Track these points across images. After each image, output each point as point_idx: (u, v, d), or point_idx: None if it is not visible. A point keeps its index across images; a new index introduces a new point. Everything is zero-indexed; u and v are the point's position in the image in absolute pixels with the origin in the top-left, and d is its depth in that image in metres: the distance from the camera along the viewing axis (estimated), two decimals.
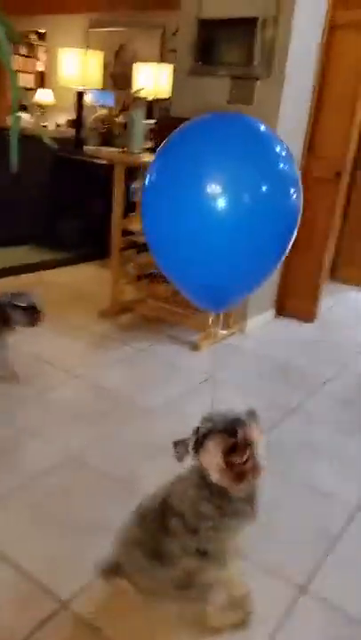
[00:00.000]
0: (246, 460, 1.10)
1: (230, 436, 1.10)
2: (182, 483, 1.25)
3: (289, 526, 1.69)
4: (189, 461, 1.21)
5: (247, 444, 1.11)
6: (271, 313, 3.46)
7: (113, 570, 1.35)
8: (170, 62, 4.00)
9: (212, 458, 1.12)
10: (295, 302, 3.47)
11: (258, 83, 2.84)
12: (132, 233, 3.18)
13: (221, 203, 1.21)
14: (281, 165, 1.31)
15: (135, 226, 3.08)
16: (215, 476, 1.13)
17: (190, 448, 1.18)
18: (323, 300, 3.53)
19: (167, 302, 3.27)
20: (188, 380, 2.56)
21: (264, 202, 1.26)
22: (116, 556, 1.34)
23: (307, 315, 3.46)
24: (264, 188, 1.25)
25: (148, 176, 1.38)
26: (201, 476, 1.18)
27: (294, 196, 1.32)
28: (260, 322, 3.34)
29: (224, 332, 3.10)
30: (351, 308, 3.84)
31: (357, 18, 3.03)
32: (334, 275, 4.34)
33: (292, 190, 1.32)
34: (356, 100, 3.06)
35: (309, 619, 1.38)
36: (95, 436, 2.06)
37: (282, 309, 3.51)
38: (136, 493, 1.74)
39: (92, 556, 1.49)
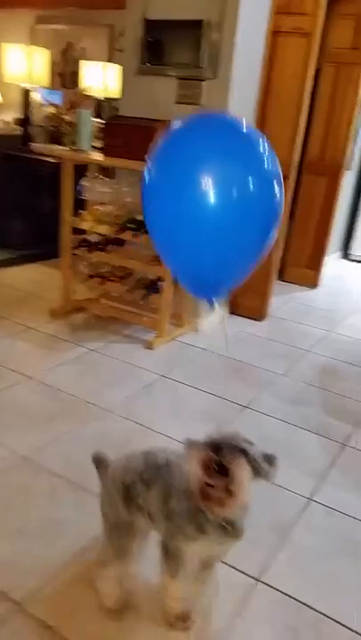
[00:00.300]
0: (221, 485, 1.04)
1: (213, 450, 1.05)
2: (171, 466, 1.27)
3: None
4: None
5: (226, 468, 1.04)
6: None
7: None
8: (118, 62, 3.98)
9: (192, 470, 1.07)
10: (246, 301, 3.52)
11: (204, 84, 2.87)
12: (82, 231, 3.14)
13: (212, 199, 1.28)
14: (266, 163, 1.37)
15: (85, 224, 3.05)
16: (193, 489, 1.08)
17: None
18: (272, 299, 3.61)
19: (120, 301, 3.25)
20: (142, 379, 2.55)
21: (251, 198, 1.31)
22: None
23: (258, 313, 3.52)
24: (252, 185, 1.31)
25: (147, 173, 1.44)
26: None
27: (278, 193, 1.38)
28: (213, 320, 3.36)
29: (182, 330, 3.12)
30: (299, 306, 3.94)
31: (300, 25, 3.11)
32: (282, 275, 4.44)
33: (276, 186, 1.38)
34: (300, 105, 3.14)
35: (264, 608, 1.41)
36: (48, 438, 2.02)
37: (234, 308, 3.56)
38: (92, 493, 1.74)
39: (47, 556, 1.47)
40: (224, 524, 1.15)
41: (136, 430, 2.13)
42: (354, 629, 1.36)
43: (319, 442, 2.18)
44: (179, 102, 2.98)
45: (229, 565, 1.51)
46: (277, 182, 1.37)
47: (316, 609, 1.41)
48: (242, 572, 1.50)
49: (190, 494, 1.11)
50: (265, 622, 1.37)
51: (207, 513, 1.12)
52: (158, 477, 1.25)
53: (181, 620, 1.33)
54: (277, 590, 1.46)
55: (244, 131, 1.41)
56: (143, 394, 2.43)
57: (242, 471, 1.06)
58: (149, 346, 2.93)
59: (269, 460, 1.13)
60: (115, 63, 4.32)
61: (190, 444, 1.10)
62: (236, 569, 1.51)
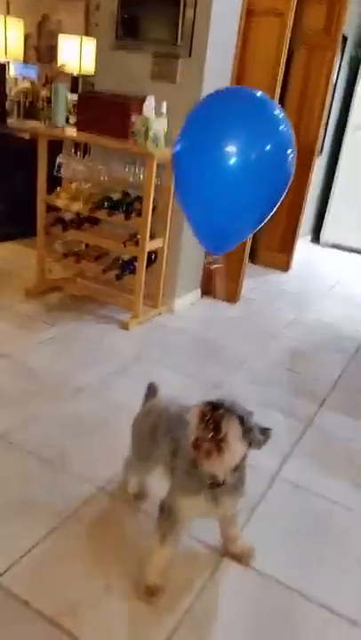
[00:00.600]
0: (212, 439, 1.14)
1: (211, 409, 1.15)
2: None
3: None
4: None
5: (219, 424, 1.14)
6: (198, 292, 3.56)
7: None
8: (94, 36, 3.91)
9: (192, 421, 1.17)
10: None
11: (180, 62, 2.87)
12: (58, 209, 3.13)
13: (234, 161, 1.44)
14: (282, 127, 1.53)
15: (61, 201, 3.04)
16: (190, 441, 1.18)
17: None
18: (245, 282, 3.67)
19: (96, 281, 3.26)
20: (117, 359, 2.59)
21: (267, 160, 1.47)
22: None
23: (230, 295, 3.58)
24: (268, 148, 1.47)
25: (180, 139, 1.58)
26: None
27: (290, 156, 1.54)
28: (188, 301, 3.42)
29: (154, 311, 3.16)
30: (270, 289, 4.02)
31: (274, 5, 3.11)
32: (255, 258, 4.50)
33: (289, 150, 1.53)
34: (273, 88, 3.16)
35: (230, 583, 1.48)
36: (23, 417, 2.04)
37: (207, 289, 3.62)
38: (65, 472, 1.79)
39: (20, 535, 1.52)
40: (212, 482, 1.25)
41: (110, 409, 2.17)
42: (317, 601, 1.45)
43: (285, 421, 2.27)
44: (153, 78, 2.97)
45: (197, 540, 1.58)
46: (290, 148, 1.51)
47: (280, 582, 1.49)
48: (209, 547, 1.57)
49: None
50: (231, 596, 1.44)
51: (200, 469, 1.21)
52: (173, 431, 1.39)
53: (149, 593, 1.37)
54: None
55: (263, 101, 1.58)
56: (118, 374, 2.47)
57: (232, 430, 1.15)
58: (125, 326, 2.96)
59: (264, 431, 1.24)
60: (91, 37, 4.24)
61: (196, 404, 1.19)
62: (204, 543, 1.58)
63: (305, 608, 1.43)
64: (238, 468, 1.28)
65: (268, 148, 1.46)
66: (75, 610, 1.33)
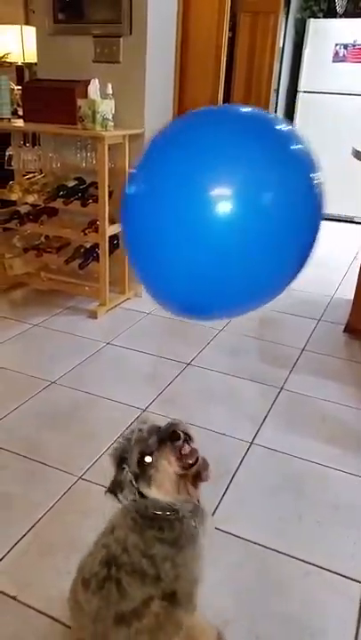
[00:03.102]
0: (198, 459, 1.01)
1: (173, 440, 0.99)
2: (118, 531, 1.08)
3: None
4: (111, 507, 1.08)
5: (189, 441, 1.02)
6: None
7: None
8: (33, 24, 3.81)
9: (167, 471, 0.99)
10: None
11: (122, 41, 2.82)
12: (12, 203, 3.08)
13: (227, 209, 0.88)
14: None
15: (15, 195, 2.99)
16: (171, 490, 1.00)
17: (131, 481, 1.01)
18: None
19: (60, 273, 3.24)
20: (88, 349, 2.59)
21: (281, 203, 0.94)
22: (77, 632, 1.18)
23: None
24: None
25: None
26: (137, 516, 1.05)
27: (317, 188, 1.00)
28: None
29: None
30: None
31: None
32: None
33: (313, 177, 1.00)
34: (219, 56, 3.14)
35: (212, 550, 1.51)
36: None
37: None
38: (43, 464, 1.80)
39: (2, 529, 1.53)
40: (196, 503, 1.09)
41: (83, 399, 2.18)
42: (298, 557, 1.49)
43: (258, 389, 2.31)
44: (97, 61, 2.92)
45: None
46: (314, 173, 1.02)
47: (261, 544, 1.53)
48: None
49: (157, 527, 1.03)
50: (214, 563, 1.48)
51: (192, 497, 1.05)
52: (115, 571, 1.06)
53: None
54: (224, 532, 1.56)
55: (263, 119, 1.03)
56: (89, 363, 2.48)
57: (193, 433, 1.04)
58: (93, 315, 2.96)
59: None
60: (32, 25, 4.14)
61: (146, 455, 1.00)
62: None
63: (286, 565, 1.47)
64: None
65: (280, 182, 0.92)
66: (65, 601, 1.35)
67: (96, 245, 2.98)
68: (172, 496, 1.01)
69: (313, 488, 1.76)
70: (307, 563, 1.48)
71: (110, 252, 2.98)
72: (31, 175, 3.09)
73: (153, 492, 1.01)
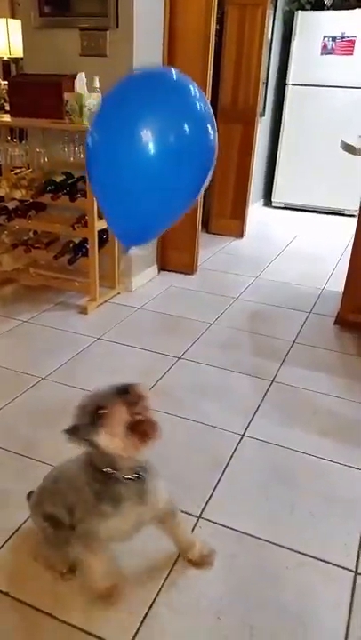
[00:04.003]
0: (148, 416, 1.09)
1: (125, 395, 1.10)
2: (71, 475, 1.29)
3: (182, 460, 1.82)
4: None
5: (143, 399, 1.11)
6: (154, 269, 3.55)
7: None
8: (19, 17, 3.77)
9: (116, 425, 1.08)
10: (175, 256, 3.58)
11: (108, 34, 2.80)
12: (0, 199, 3.05)
13: (150, 150, 1.29)
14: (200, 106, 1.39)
15: (2, 190, 2.96)
16: (119, 445, 1.10)
17: (87, 429, 1.12)
18: (201, 252, 3.68)
19: (50, 269, 3.22)
20: (78, 344, 2.58)
21: (186, 144, 1.33)
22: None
23: (187, 267, 3.58)
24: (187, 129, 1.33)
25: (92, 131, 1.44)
26: (87, 461, 1.21)
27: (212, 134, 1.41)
28: (145, 278, 3.41)
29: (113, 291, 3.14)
30: (226, 256, 4.04)
31: None
32: (208, 227, 4.51)
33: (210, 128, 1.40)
34: (206, 49, 3.11)
35: (206, 542, 1.50)
36: None
37: (164, 264, 3.61)
38: (33, 462, 1.79)
39: None
40: (136, 474, 1.19)
41: (74, 394, 2.16)
42: (291, 548, 1.50)
43: (249, 381, 2.31)
44: (83, 55, 2.89)
45: None
46: (211, 125, 1.39)
47: (254, 535, 1.53)
48: (183, 512, 1.60)
49: (93, 478, 1.19)
50: None
51: (137, 454, 1.14)
52: (59, 500, 1.31)
53: (107, 597, 1.33)
54: (217, 524, 1.57)
55: (174, 80, 1.44)
56: (80, 358, 2.46)
57: (149, 396, 1.13)
58: (83, 310, 2.95)
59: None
60: (17, 19, 4.09)
61: (101, 408, 1.11)
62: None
63: (279, 555, 1.48)
64: None
65: (187, 129, 1.32)
66: (57, 596, 1.35)
67: (85, 240, 2.97)
68: (119, 447, 1.11)
69: (305, 479, 1.77)
70: (300, 553, 1.48)
71: (100, 247, 2.97)
72: (19, 170, 3.06)
73: (104, 439, 1.11)
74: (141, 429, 1.09)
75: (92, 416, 1.11)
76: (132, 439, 1.09)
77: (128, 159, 1.32)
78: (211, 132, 1.39)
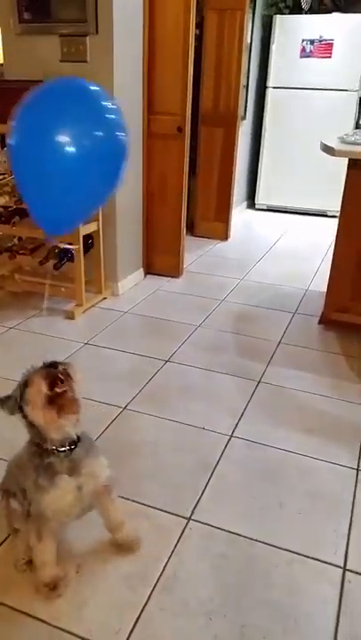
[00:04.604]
0: (66, 391, 1.17)
1: (49, 370, 1.19)
2: (20, 456, 1.36)
3: (170, 462, 1.83)
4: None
5: (66, 375, 1.18)
6: (140, 272, 3.56)
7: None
8: None
9: (36, 397, 1.17)
10: (161, 259, 3.59)
11: (88, 40, 2.81)
12: None
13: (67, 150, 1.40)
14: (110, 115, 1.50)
15: None
16: (38, 415, 1.19)
17: (18, 399, 1.22)
18: (186, 255, 3.70)
19: (35, 275, 3.21)
20: (66, 349, 2.58)
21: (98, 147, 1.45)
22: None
23: (173, 270, 3.60)
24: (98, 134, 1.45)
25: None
26: (29, 438, 1.29)
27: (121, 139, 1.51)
28: (131, 282, 3.42)
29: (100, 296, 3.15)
30: (211, 259, 4.07)
31: None
32: (193, 230, 4.53)
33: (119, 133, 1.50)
34: (186, 55, 3.14)
35: (196, 543, 1.53)
36: None
37: (149, 268, 3.62)
38: None
39: None
40: (68, 446, 1.25)
41: None
42: (280, 546, 1.52)
43: (236, 382, 2.33)
44: (64, 60, 2.90)
45: (160, 510, 1.62)
46: (120, 130, 1.50)
47: (243, 535, 1.55)
48: (173, 514, 1.61)
49: (32, 453, 1.27)
50: (197, 555, 1.49)
51: (56, 428, 1.21)
52: (14, 483, 1.39)
53: (50, 588, 1.35)
54: (207, 525, 1.58)
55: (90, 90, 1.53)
56: None
57: (78, 379, 1.21)
58: (70, 316, 2.95)
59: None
60: None
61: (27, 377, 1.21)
62: (167, 512, 1.62)
63: (269, 554, 1.49)
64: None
65: (99, 134, 1.45)
66: (49, 600, 1.35)
67: (70, 244, 2.97)
68: (40, 418, 1.19)
69: (293, 478, 1.79)
70: (289, 551, 1.50)
71: (85, 252, 2.97)
72: (1, 177, 3.05)
73: (29, 411, 1.20)
74: (59, 403, 1.17)
75: (20, 388, 1.21)
76: (49, 411, 1.17)
77: (45, 159, 1.43)
78: (119, 133, 1.50)
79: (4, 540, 1.51)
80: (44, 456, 1.26)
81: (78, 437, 1.29)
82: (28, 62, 2.97)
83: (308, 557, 1.49)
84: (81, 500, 1.30)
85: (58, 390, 1.17)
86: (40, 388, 1.17)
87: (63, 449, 1.26)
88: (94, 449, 1.34)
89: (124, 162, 1.54)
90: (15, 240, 3.21)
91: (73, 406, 1.20)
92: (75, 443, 1.27)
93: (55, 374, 1.18)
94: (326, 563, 1.47)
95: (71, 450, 1.26)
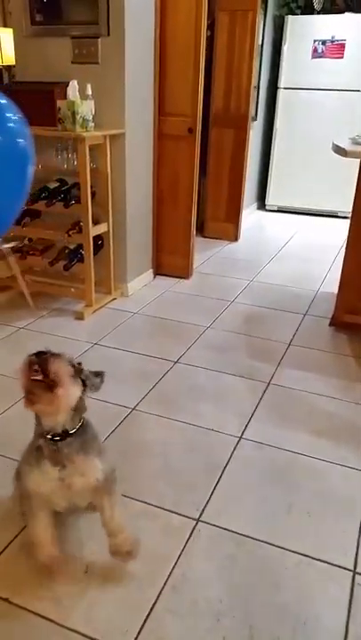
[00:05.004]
0: (42, 381, 1.15)
1: (36, 356, 1.18)
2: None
3: (180, 463, 1.83)
4: None
5: (46, 364, 1.15)
6: (150, 273, 3.56)
7: None
8: (11, 26, 3.80)
9: (20, 383, 1.17)
10: (170, 260, 3.59)
11: (100, 42, 2.82)
12: None
13: None
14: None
15: None
16: (24, 401, 1.18)
17: None
18: (196, 256, 3.70)
19: (45, 275, 3.23)
20: (75, 350, 2.59)
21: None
22: None
23: (182, 271, 3.60)
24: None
25: None
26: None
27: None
28: (141, 283, 3.43)
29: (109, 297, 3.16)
30: (221, 260, 4.06)
31: None
32: (203, 231, 4.53)
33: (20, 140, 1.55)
34: (197, 56, 3.14)
35: (204, 544, 1.52)
36: None
37: (160, 268, 3.63)
38: None
39: None
40: (53, 436, 1.26)
41: None
42: (289, 548, 1.51)
43: (246, 384, 2.33)
44: (75, 62, 2.91)
45: (169, 510, 1.62)
46: (21, 137, 1.55)
47: (252, 536, 1.54)
48: (181, 515, 1.61)
49: (34, 433, 1.31)
50: (206, 556, 1.49)
51: (37, 412, 1.24)
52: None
53: (47, 568, 1.37)
54: (216, 526, 1.58)
55: None
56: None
57: (61, 369, 1.17)
58: (80, 316, 2.96)
59: (97, 374, 1.30)
60: (9, 27, 4.11)
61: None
62: (176, 513, 1.62)
63: (278, 556, 1.49)
64: (79, 413, 1.28)
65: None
66: (58, 600, 1.35)
67: (80, 246, 2.98)
68: (24, 404, 1.20)
69: (302, 480, 1.78)
70: (298, 553, 1.49)
71: (95, 253, 2.98)
72: None
73: None
74: (31, 391, 1.17)
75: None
76: (25, 398, 1.19)
77: None
78: (20, 140, 1.55)
79: (14, 539, 1.51)
80: (37, 437, 1.30)
81: (73, 431, 1.27)
82: (40, 64, 2.99)
83: (318, 559, 1.48)
84: (65, 493, 1.31)
85: (33, 378, 1.15)
86: (22, 375, 1.17)
87: (49, 437, 1.26)
88: (91, 448, 1.31)
89: (27, 166, 1.58)
90: (26, 241, 3.23)
91: (43, 397, 1.16)
92: (64, 435, 1.26)
93: (34, 363, 1.16)
94: (336, 565, 1.46)
95: (55, 441, 1.26)
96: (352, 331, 2.82)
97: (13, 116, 1.55)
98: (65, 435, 1.27)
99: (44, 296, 3.15)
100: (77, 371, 1.23)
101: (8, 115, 1.56)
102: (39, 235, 3.12)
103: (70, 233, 2.90)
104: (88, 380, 1.26)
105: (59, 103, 2.74)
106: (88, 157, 2.74)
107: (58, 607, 1.33)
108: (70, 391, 1.20)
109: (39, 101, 2.83)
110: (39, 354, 1.18)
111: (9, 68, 4.31)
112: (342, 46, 4.88)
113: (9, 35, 4.09)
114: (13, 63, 3.82)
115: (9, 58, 4.17)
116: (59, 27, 2.89)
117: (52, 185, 2.97)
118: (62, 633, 1.27)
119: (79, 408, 1.28)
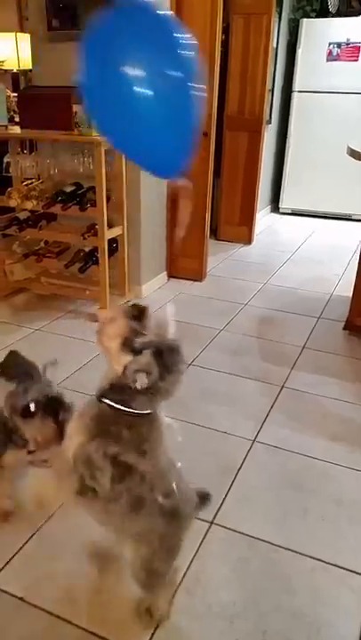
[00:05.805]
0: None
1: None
2: None
3: (193, 466, 1.83)
4: None
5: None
6: (164, 276, 3.58)
7: None
8: (28, 31, 3.84)
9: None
10: (184, 263, 3.60)
11: None
12: (11, 209, 3.10)
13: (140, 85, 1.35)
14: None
15: (13, 201, 3.01)
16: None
17: None
18: (210, 259, 3.71)
19: (61, 277, 3.26)
20: (90, 352, 2.60)
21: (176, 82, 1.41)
22: None
23: (196, 274, 3.61)
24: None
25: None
26: None
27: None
28: (155, 285, 3.44)
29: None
30: (235, 263, 4.06)
31: None
32: (217, 234, 4.54)
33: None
34: (212, 59, 3.15)
35: (218, 547, 1.53)
36: None
37: (173, 271, 3.64)
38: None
39: (6, 537, 1.54)
40: None
41: (86, 401, 2.19)
42: (303, 553, 1.51)
43: (259, 387, 2.33)
44: None
45: None
46: (194, 65, 1.47)
47: (266, 540, 1.54)
48: (195, 518, 1.62)
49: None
50: (220, 559, 1.49)
51: None
52: None
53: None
54: (230, 529, 1.58)
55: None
56: (92, 366, 2.48)
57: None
58: (95, 318, 2.98)
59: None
60: (26, 32, 4.17)
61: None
62: None
63: (292, 560, 1.49)
64: None
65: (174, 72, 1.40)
66: (73, 599, 1.37)
67: (95, 249, 3.00)
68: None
69: (316, 484, 1.77)
70: (312, 558, 1.49)
71: (109, 255, 3.00)
72: (29, 181, 3.11)
73: None
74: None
75: None
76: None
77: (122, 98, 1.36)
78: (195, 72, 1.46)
79: (28, 541, 1.53)
80: None
81: None
82: (56, 69, 3.01)
83: (332, 564, 1.47)
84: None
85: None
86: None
87: None
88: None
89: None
90: (42, 243, 3.26)
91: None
92: None
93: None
94: (350, 570, 1.46)
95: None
96: None
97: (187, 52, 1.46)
98: None
99: (58, 298, 3.17)
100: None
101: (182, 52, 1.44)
102: (55, 237, 3.15)
103: (86, 236, 2.93)
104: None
105: (75, 107, 2.76)
106: (104, 161, 2.76)
107: (73, 607, 1.35)
108: None
109: (56, 105, 2.86)
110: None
111: (25, 72, 4.37)
112: (357, 49, 4.85)
113: (26, 40, 4.14)
114: (30, 68, 3.87)
115: (26, 62, 4.22)
116: (75, 31, 2.92)
117: (68, 188, 2.99)
118: (77, 633, 1.28)
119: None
